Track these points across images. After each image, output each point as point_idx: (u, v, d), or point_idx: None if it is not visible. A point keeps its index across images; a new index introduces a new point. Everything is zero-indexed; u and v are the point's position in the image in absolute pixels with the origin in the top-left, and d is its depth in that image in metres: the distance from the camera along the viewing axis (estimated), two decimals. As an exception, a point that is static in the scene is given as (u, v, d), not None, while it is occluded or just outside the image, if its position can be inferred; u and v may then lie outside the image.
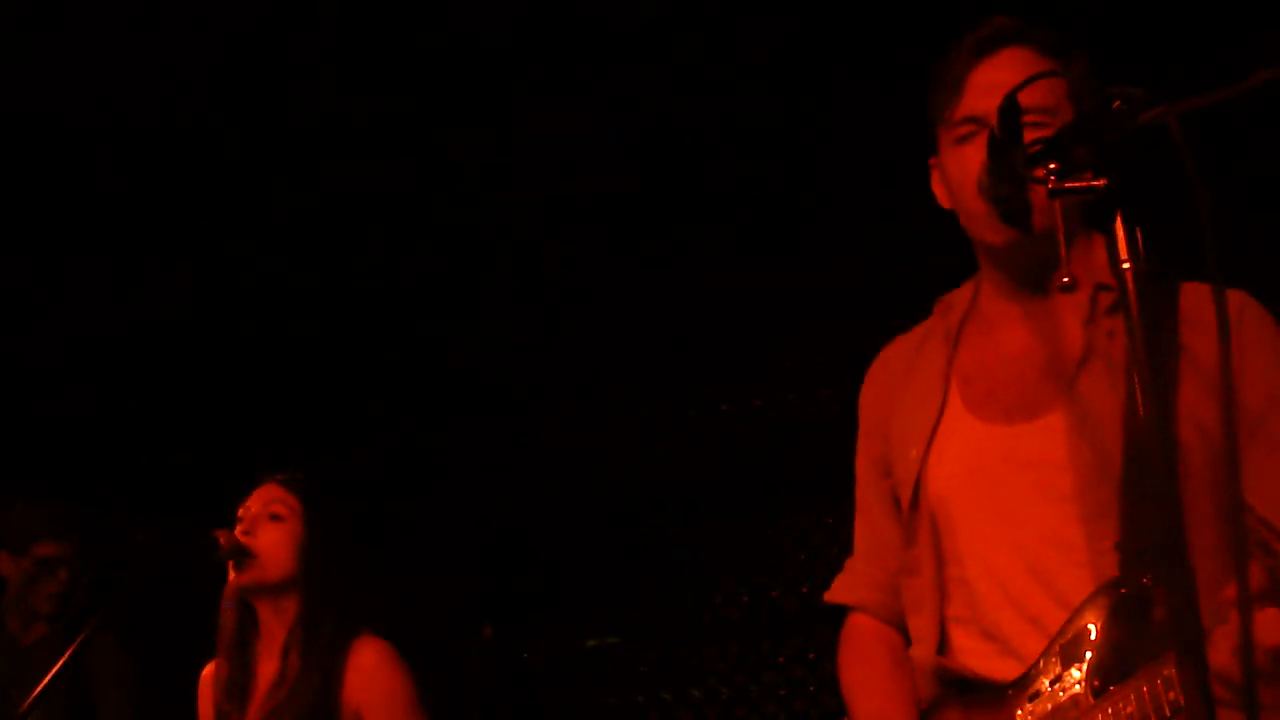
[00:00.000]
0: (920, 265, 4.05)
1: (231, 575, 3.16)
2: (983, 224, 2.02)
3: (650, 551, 5.04)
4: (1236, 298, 1.98)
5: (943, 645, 2.06)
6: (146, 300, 5.02)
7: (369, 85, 4.31)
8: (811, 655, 4.68)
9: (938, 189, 2.18)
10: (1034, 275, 2.06)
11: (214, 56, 4.15)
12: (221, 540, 3.13)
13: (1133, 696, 1.79)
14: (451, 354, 5.23)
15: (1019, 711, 1.93)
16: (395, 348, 5.23)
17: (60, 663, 3.03)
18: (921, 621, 2.09)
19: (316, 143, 4.49)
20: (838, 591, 2.30)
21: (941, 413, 2.09)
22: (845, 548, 4.69)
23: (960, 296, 2.19)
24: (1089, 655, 1.87)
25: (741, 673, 4.82)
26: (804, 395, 4.82)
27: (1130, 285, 1.55)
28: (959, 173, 2.05)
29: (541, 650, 5.18)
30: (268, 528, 3.17)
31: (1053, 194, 1.66)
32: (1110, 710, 1.82)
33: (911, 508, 2.10)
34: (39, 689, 2.98)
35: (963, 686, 2.03)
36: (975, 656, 2.03)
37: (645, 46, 4.15)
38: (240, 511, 3.22)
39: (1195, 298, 1.94)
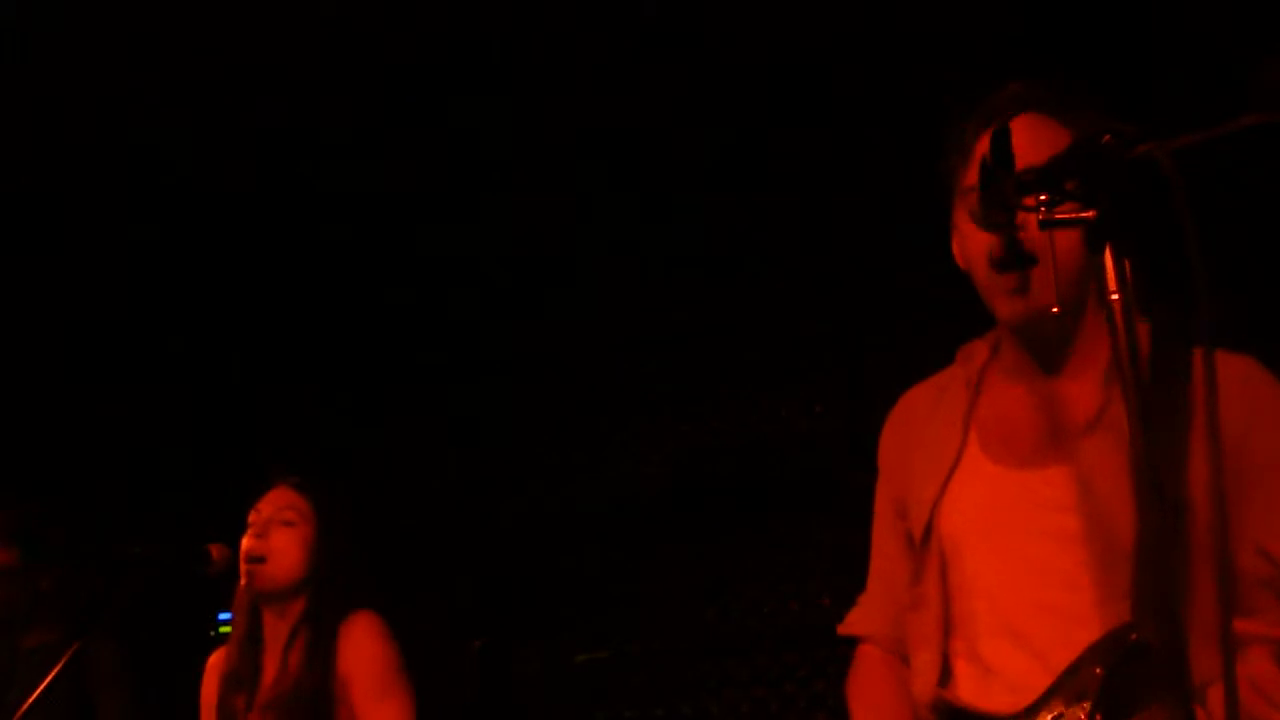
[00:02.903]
0: (920, 283, 4.10)
1: (243, 580, 3.21)
2: (995, 299, 2.08)
3: (641, 566, 5.05)
4: (1242, 364, 2.03)
5: (944, 679, 2.11)
6: (144, 303, 5.03)
7: (377, 83, 4.33)
8: (802, 672, 4.69)
9: (956, 250, 2.22)
10: (1047, 348, 2.11)
11: (224, 56, 4.17)
12: (214, 554, 3.17)
13: None
14: (444, 364, 5.24)
15: None
16: (388, 358, 5.25)
17: (58, 668, 3.04)
18: (924, 656, 2.13)
19: (323, 142, 4.51)
20: (850, 624, 2.37)
21: (959, 457, 2.15)
22: (839, 564, 4.74)
23: (981, 346, 2.24)
24: (1094, 696, 1.90)
25: (733, 688, 4.83)
26: (799, 411, 4.83)
27: (1119, 317, 1.58)
28: (973, 245, 2.10)
29: (531, 664, 5.18)
30: (279, 532, 3.22)
31: (1043, 224, 1.69)
32: None
33: (922, 545, 2.16)
34: (36, 693, 3.00)
35: (960, 719, 2.06)
36: (976, 691, 2.06)
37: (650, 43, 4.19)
38: (252, 516, 3.26)
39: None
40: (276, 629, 3.27)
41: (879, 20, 3.95)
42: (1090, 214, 1.63)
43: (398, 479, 5.23)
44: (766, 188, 4.60)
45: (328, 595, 3.21)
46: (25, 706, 3.00)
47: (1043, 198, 1.68)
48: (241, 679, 3.23)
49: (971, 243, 2.10)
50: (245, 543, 3.22)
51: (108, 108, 4.36)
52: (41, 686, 2.99)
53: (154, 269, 5.00)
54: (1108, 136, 1.62)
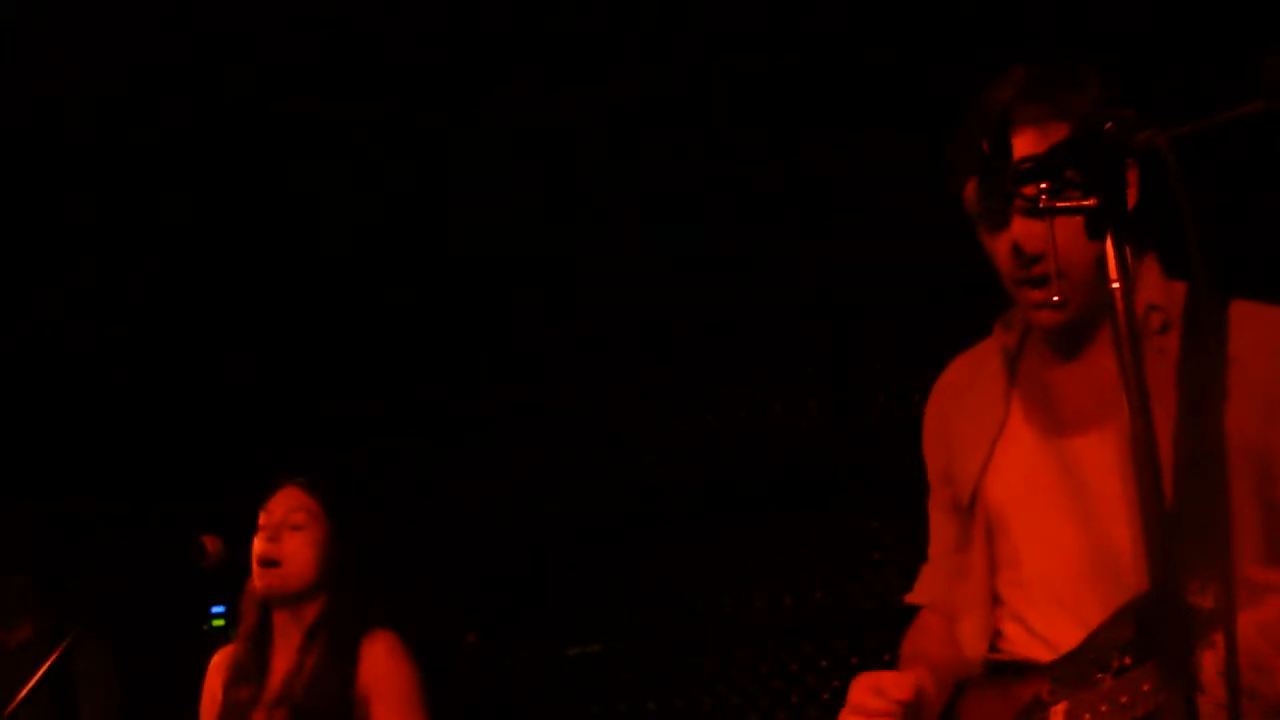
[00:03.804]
0: (919, 281, 4.10)
1: (258, 584, 3.25)
2: (1023, 309, 2.13)
3: (634, 560, 5.05)
4: (1277, 316, 2.03)
5: (993, 642, 2.17)
6: (140, 300, 5.03)
7: (376, 86, 4.33)
8: (794, 666, 4.69)
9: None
10: (1076, 335, 2.14)
11: (224, 59, 4.17)
12: (208, 546, 3.17)
13: (1148, 675, 1.88)
14: (441, 363, 5.24)
15: (1046, 686, 2.02)
16: (382, 354, 5.24)
17: (46, 666, 3.02)
18: (971, 621, 2.20)
19: (327, 146, 4.51)
20: (915, 593, 2.42)
21: (1003, 427, 2.19)
22: (833, 561, 4.72)
23: (1019, 315, 2.25)
24: (1121, 648, 1.94)
25: (724, 683, 4.83)
26: (790, 407, 4.84)
27: (1119, 305, 1.58)
28: (991, 256, 2.13)
29: (524, 658, 5.18)
30: (291, 536, 3.25)
31: (1044, 212, 1.70)
32: (1127, 686, 1.90)
33: (968, 514, 2.21)
34: (25, 692, 2.98)
35: (1001, 669, 2.13)
36: (1024, 647, 2.12)
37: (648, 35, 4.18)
38: (262, 518, 3.28)
39: (1244, 315, 1.98)
40: (288, 628, 3.29)
41: (879, 19, 3.95)
42: (1091, 201, 1.63)
43: (394, 476, 5.22)
44: (765, 186, 4.60)
45: (346, 602, 3.26)
46: (13, 705, 2.98)
47: (1043, 185, 1.68)
48: (249, 674, 3.25)
49: (990, 256, 2.12)
50: (258, 546, 3.25)
51: (109, 106, 4.36)
52: (30, 684, 2.98)
53: (152, 267, 4.99)
54: (1109, 123, 1.62)
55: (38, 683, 3.01)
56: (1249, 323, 1.95)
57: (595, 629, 5.09)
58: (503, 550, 5.20)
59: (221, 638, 3.42)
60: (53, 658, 3.06)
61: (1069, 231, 1.87)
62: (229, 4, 4.02)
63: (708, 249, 4.77)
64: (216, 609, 4.64)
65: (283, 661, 3.26)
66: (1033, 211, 1.90)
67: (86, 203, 4.72)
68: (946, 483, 2.29)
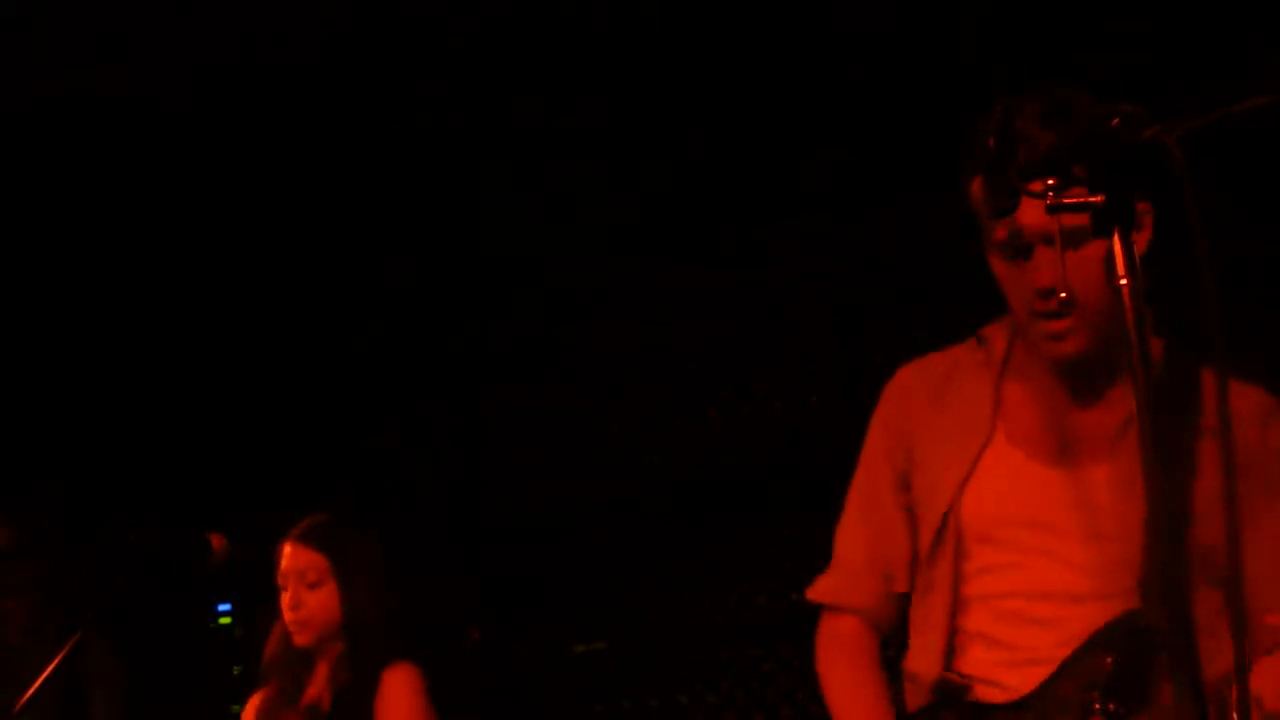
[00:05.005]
0: (913, 273, 4.10)
1: (296, 643, 3.45)
2: (1035, 340, 2.09)
3: (637, 557, 5.05)
4: (1260, 397, 2.05)
5: (949, 660, 2.11)
6: (139, 299, 5.03)
7: (377, 91, 4.34)
8: (797, 662, 4.69)
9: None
10: (1086, 369, 2.11)
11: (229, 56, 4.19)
12: (215, 543, 3.20)
13: None
14: (444, 362, 5.24)
15: None
16: (383, 352, 5.25)
17: (54, 664, 3.02)
18: (929, 637, 2.14)
19: (328, 146, 4.52)
20: (827, 592, 2.33)
21: (986, 445, 2.13)
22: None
23: (1000, 331, 2.21)
24: (1102, 683, 1.91)
25: (727, 679, 4.83)
26: (792, 403, 4.83)
27: (1127, 301, 1.58)
28: (1006, 284, 2.09)
29: (529, 655, 5.19)
30: (310, 596, 3.45)
31: (1051, 209, 1.69)
32: None
33: (940, 528, 2.13)
34: (32, 690, 2.98)
35: (959, 700, 2.07)
36: (989, 667, 2.07)
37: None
38: (279, 579, 3.47)
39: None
40: (319, 657, 3.50)
41: (880, 20, 3.96)
42: (1098, 198, 1.63)
43: (398, 474, 5.23)
44: (765, 183, 4.60)
45: (366, 639, 3.44)
46: (19, 705, 2.98)
47: (1050, 182, 1.68)
48: (286, 693, 3.48)
49: (1005, 283, 2.09)
50: (286, 614, 3.47)
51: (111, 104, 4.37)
52: (37, 684, 2.97)
53: (151, 267, 4.99)
54: (1116, 120, 1.62)
55: (44, 682, 3.01)
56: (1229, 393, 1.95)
57: (599, 626, 5.09)
58: (505, 549, 5.20)
59: (227, 635, 3.49)
60: (59, 658, 3.06)
61: (1087, 266, 1.89)
62: (229, 4, 4.03)
63: (708, 248, 4.78)
64: (223, 606, 4.67)
65: (314, 688, 3.47)
66: (1051, 240, 1.90)
67: (86, 202, 4.72)
68: (903, 488, 2.22)
